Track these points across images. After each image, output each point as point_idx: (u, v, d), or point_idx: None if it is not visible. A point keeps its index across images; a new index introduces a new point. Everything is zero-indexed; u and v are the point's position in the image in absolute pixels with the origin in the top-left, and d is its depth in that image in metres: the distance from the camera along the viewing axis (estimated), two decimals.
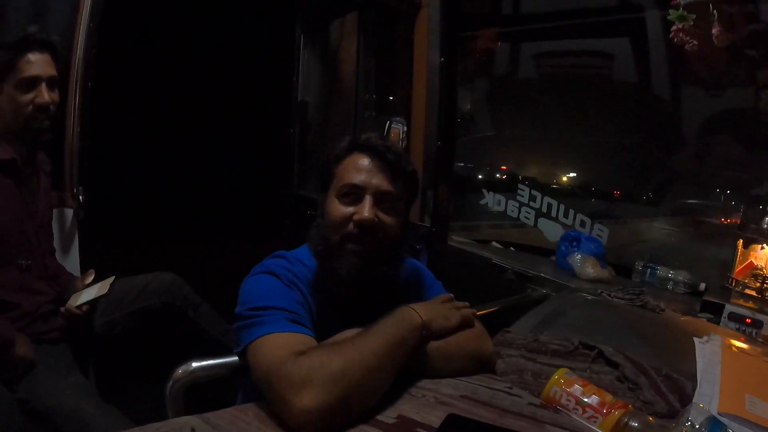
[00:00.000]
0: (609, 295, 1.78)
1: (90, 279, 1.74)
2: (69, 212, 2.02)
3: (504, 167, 3.24)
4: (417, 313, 0.96)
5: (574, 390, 0.88)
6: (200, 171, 3.26)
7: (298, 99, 3.40)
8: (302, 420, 0.76)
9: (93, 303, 1.63)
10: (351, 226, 1.02)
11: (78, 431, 1.40)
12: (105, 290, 1.63)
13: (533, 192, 2.81)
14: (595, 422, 0.83)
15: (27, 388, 1.44)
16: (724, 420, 0.86)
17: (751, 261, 1.91)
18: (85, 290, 1.67)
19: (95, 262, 1.89)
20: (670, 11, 2.14)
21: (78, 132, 1.99)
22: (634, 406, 0.88)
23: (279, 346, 0.86)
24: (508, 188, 2.93)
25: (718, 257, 2.14)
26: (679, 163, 2.51)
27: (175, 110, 3.11)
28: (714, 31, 2.04)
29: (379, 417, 0.82)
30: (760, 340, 1.54)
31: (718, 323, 1.65)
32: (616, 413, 0.82)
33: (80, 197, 2.01)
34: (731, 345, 1.30)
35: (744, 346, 1.35)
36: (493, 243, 2.83)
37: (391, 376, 0.87)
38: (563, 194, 2.83)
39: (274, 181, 3.41)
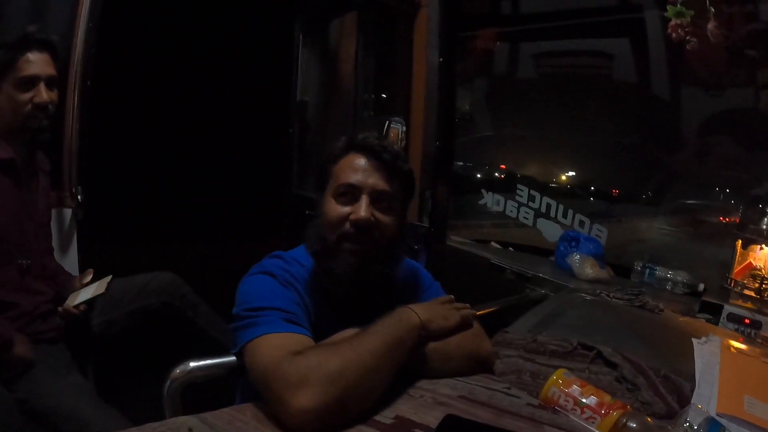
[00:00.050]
0: (608, 296, 1.78)
1: (88, 278, 1.74)
2: (68, 212, 2.02)
3: (503, 167, 3.23)
4: (415, 313, 0.96)
5: (573, 390, 0.88)
6: (199, 170, 3.25)
7: (298, 99, 3.41)
8: (299, 420, 0.76)
9: (90, 302, 1.64)
10: (347, 225, 1.02)
11: (76, 431, 1.40)
12: (103, 289, 1.63)
13: (532, 192, 2.80)
14: (593, 423, 0.83)
15: (25, 388, 1.44)
16: (722, 421, 0.86)
17: (750, 261, 1.91)
18: (82, 290, 1.67)
19: (94, 262, 1.89)
20: (668, 7, 2.15)
21: (77, 131, 1.98)
22: (632, 407, 0.88)
23: (276, 346, 0.86)
24: (507, 188, 2.93)
25: (717, 258, 2.14)
26: (678, 163, 2.50)
27: (174, 110, 3.11)
28: (709, 26, 2.05)
29: (377, 417, 0.82)
30: (759, 340, 1.54)
31: (716, 324, 1.65)
32: (615, 414, 0.82)
33: (79, 197, 2.01)
34: (730, 346, 1.30)
35: (743, 346, 1.35)
36: (492, 243, 2.83)
37: (389, 376, 0.87)
38: (562, 194, 2.82)
39: (273, 180, 3.41)
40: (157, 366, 1.11)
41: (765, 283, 1.82)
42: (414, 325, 0.94)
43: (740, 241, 1.95)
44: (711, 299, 1.74)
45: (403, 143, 2.68)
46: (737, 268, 1.93)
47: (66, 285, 1.73)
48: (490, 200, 2.97)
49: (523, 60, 3.12)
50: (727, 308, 1.66)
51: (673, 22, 2.14)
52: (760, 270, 1.87)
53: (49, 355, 1.54)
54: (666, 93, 2.51)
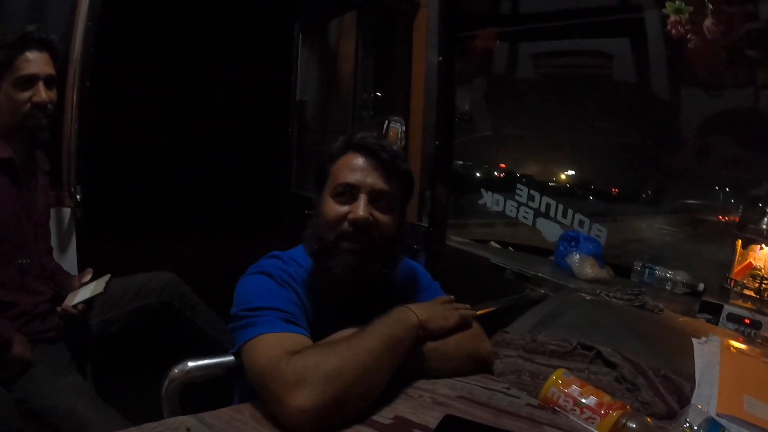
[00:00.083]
0: (607, 296, 1.77)
1: (87, 278, 1.74)
2: (66, 211, 2.01)
3: (503, 166, 3.23)
4: (413, 312, 0.96)
5: (572, 391, 0.88)
6: (198, 170, 3.25)
7: (297, 98, 3.41)
8: (297, 419, 0.75)
9: (89, 302, 1.64)
10: (346, 225, 1.02)
11: (75, 431, 1.40)
12: (101, 289, 1.63)
13: (532, 192, 2.80)
14: (593, 423, 0.83)
15: (24, 388, 1.44)
16: (722, 421, 0.86)
17: (750, 261, 1.91)
18: (81, 289, 1.67)
19: (93, 261, 1.89)
20: (666, 4, 2.15)
21: (76, 131, 1.98)
22: (632, 407, 0.88)
23: (273, 346, 0.86)
24: (506, 188, 2.93)
25: (717, 257, 2.14)
26: (678, 163, 2.50)
27: (173, 109, 3.11)
28: (706, 22, 2.05)
29: (376, 417, 0.82)
30: (759, 340, 1.53)
31: (716, 324, 1.65)
32: (614, 414, 0.81)
33: (78, 196, 2.01)
34: (730, 346, 1.30)
35: (743, 346, 1.35)
36: (492, 243, 2.83)
37: (387, 375, 0.87)
38: (562, 194, 2.82)
39: (273, 180, 3.40)
40: (156, 365, 1.11)
41: (765, 283, 1.81)
42: (412, 324, 0.94)
43: (740, 241, 1.95)
44: (711, 299, 1.74)
45: (403, 143, 2.68)
46: (737, 268, 1.92)
47: (65, 284, 1.73)
48: (490, 200, 2.97)
49: (522, 60, 3.12)
50: (727, 308, 1.66)
51: (672, 19, 2.14)
52: (760, 270, 1.87)
53: (48, 354, 1.54)
54: (666, 93, 2.51)
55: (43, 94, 1.54)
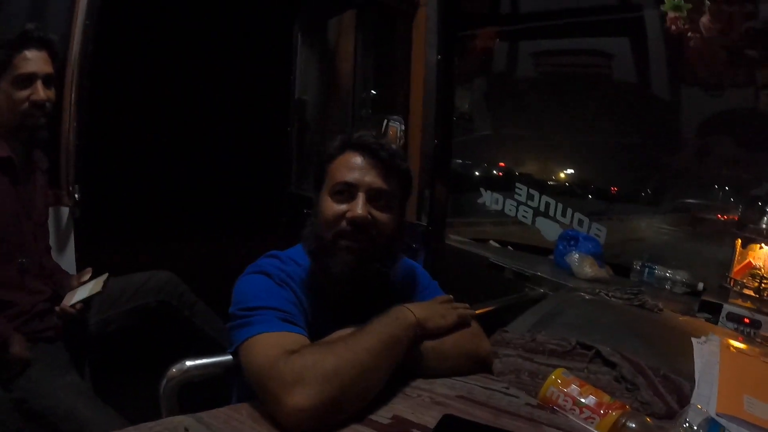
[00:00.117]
0: (607, 295, 1.77)
1: (86, 277, 1.74)
2: (65, 210, 2.01)
3: (502, 165, 3.23)
4: (411, 312, 0.96)
5: (572, 390, 0.88)
6: (197, 169, 3.25)
7: (296, 97, 3.40)
8: (295, 419, 0.75)
9: (87, 301, 1.63)
10: (344, 223, 1.02)
11: (74, 431, 1.40)
12: (99, 288, 1.63)
13: (531, 191, 2.80)
14: (592, 423, 0.83)
15: (23, 388, 1.44)
16: (722, 421, 0.86)
17: (750, 261, 1.91)
18: (79, 288, 1.67)
19: (91, 261, 1.89)
20: (665, 1, 2.15)
21: (74, 129, 1.98)
22: (631, 407, 0.88)
23: (271, 346, 0.85)
24: (506, 187, 2.92)
25: (716, 257, 2.14)
26: (678, 163, 2.50)
27: (172, 108, 3.10)
28: (703, 19, 2.05)
29: (374, 417, 0.81)
30: (759, 340, 1.53)
31: (716, 323, 1.64)
32: (614, 414, 0.81)
33: (76, 195, 2.00)
34: (729, 345, 1.30)
35: (742, 346, 1.35)
36: (491, 242, 2.83)
37: (385, 375, 0.86)
38: (561, 193, 2.82)
39: (272, 179, 3.40)
40: (154, 365, 1.10)
41: (764, 283, 1.81)
42: (410, 323, 0.94)
43: (740, 240, 1.95)
44: (710, 298, 1.74)
45: (402, 142, 2.68)
46: (737, 268, 1.92)
47: (63, 284, 1.72)
48: (489, 199, 2.96)
49: (522, 59, 3.12)
50: (727, 307, 1.66)
51: (671, 15, 2.15)
52: (759, 269, 1.86)
53: (47, 354, 1.54)
54: (666, 92, 2.51)
55: (41, 92, 1.54)
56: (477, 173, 3.29)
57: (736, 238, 1.97)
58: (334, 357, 0.81)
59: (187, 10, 3.08)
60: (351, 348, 0.83)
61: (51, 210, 1.86)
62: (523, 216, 2.82)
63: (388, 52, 3.01)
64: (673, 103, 2.50)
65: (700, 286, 2.02)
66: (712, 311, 1.68)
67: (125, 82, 2.86)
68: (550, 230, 2.72)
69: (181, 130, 3.15)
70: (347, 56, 3.18)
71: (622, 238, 2.65)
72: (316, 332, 0.94)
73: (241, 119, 3.43)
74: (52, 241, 1.83)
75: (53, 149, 1.91)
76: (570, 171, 2.95)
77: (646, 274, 2.15)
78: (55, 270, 1.76)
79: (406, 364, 0.93)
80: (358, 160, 1.05)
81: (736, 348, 1.30)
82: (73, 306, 1.60)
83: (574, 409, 0.86)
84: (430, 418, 0.81)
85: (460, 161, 3.19)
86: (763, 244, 1.90)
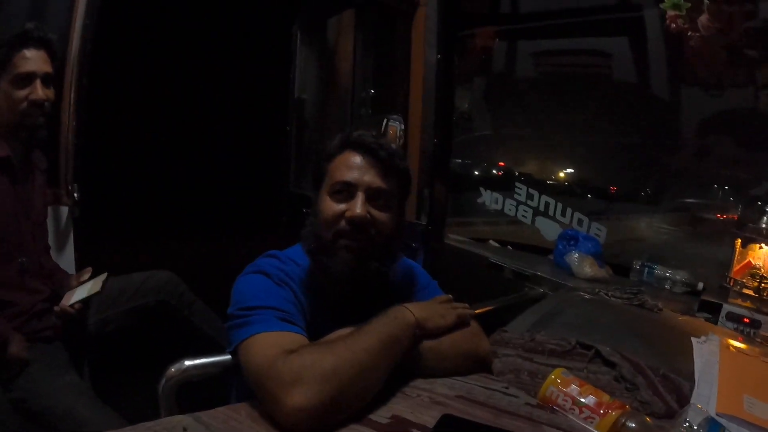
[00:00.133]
0: (607, 295, 1.77)
1: (86, 276, 1.74)
2: (64, 210, 2.01)
3: (502, 164, 3.23)
4: (410, 311, 0.96)
5: (571, 390, 0.87)
6: (196, 168, 3.25)
7: (295, 96, 3.40)
8: (293, 418, 0.75)
9: (86, 301, 1.63)
10: (343, 223, 1.02)
11: (74, 431, 1.40)
12: (98, 288, 1.62)
13: (531, 190, 2.80)
14: (592, 423, 0.83)
15: (22, 388, 1.44)
16: (722, 421, 0.86)
17: (749, 260, 1.91)
18: (78, 288, 1.67)
19: (90, 260, 1.89)
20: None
21: (73, 129, 1.98)
22: (631, 407, 0.88)
23: (270, 345, 0.85)
24: (505, 186, 2.92)
25: (716, 256, 2.14)
26: (678, 163, 2.50)
27: (171, 107, 3.11)
28: (702, 18, 2.05)
29: (373, 417, 0.81)
30: (759, 340, 1.53)
31: (716, 323, 1.64)
32: (614, 414, 0.81)
33: (75, 195, 2.00)
34: (729, 345, 1.30)
35: (742, 346, 1.35)
36: (491, 241, 2.83)
37: (384, 374, 0.86)
38: (561, 193, 2.82)
39: (271, 178, 3.40)
40: (153, 364, 1.10)
41: (764, 282, 1.81)
42: (409, 323, 0.94)
43: (739, 240, 1.95)
44: (710, 298, 1.73)
45: (402, 141, 2.67)
46: (736, 267, 1.92)
47: (63, 283, 1.72)
48: (489, 198, 2.96)
49: (521, 59, 3.12)
50: (726, 307, 1.65)
51: (670, 14, 2.15)
52: (759, 269, 1.86)
53: (46, 354, 1.54)
54: (665, 92, 2.51)
55: (40, 92, 1.54)
56: (476, 173, 3.28)
57: (735, 238, 1.97)
58: (333, 357, 0.80)
59: (187, 9, 3.07)
60: (350, 348, 0.83)
61: (50, 209, 1.86)
62: (523, 215, 2.82)
63: (388, 52, 3.01)
64: (672, 102, 2.49)
65: (700, 285, 2.01)
66: (712, 311, 1.68)
67: (124, 81, 2.86)
68: (549, 230, 2.72)
69: (181, 130, 3.15)
70: (346, 55, 3.18)
71: (621, 238, 2.65)
72: (315, 332, 0.94)
73: (240, 118, 3.44)
74: (51, 241, 1.83)
75: (52, 148, 1.90)
76: (570, 170, 2.95)
77: (645, 273, 2.15)
78: (55, 270, 1.76)
79: (406, 363, 0.93)
80: (357, 159, 1.05)
81: (735, 348, 1.30)
82: (72, 306, 1.59)
83: (574, 409, 0.86)
84: (430, 418, 0.81)
85: (460, 161, 3.18)
86: (762, 244, 1.89)
